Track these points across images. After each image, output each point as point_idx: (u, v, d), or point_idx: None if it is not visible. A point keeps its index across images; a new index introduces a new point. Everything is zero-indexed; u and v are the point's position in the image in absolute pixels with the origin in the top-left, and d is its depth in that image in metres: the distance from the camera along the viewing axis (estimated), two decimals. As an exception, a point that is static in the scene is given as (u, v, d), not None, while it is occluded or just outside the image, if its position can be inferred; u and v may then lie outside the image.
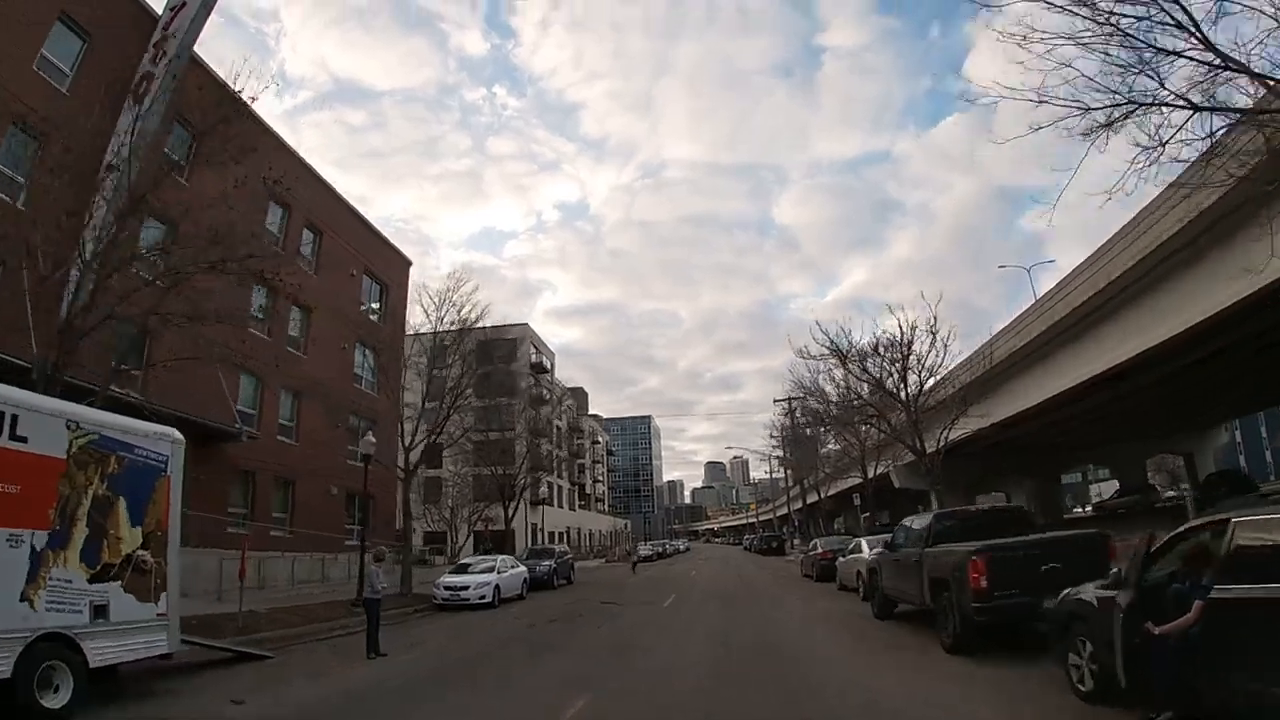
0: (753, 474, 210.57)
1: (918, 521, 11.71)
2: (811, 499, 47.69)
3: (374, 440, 20.03)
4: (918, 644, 9.93)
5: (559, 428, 71.96)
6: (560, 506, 69.03)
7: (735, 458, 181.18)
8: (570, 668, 9.61)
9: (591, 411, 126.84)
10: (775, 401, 48.11)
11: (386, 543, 24.08)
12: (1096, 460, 54.75)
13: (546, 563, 26.10)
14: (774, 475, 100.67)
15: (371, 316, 31.82)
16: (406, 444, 21.99)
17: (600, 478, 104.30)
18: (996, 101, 8.54)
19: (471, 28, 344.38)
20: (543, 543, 64.34)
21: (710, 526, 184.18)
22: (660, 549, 65.22)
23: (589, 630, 14.03)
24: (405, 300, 33.25)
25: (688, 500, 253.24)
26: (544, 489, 62.66)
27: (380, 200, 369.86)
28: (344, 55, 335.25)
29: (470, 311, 25.20)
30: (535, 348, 65.52)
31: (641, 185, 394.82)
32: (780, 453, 70.39)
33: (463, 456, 45.41)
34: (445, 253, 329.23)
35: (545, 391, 65.36)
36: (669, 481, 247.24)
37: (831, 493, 43.54)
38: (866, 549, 16.53)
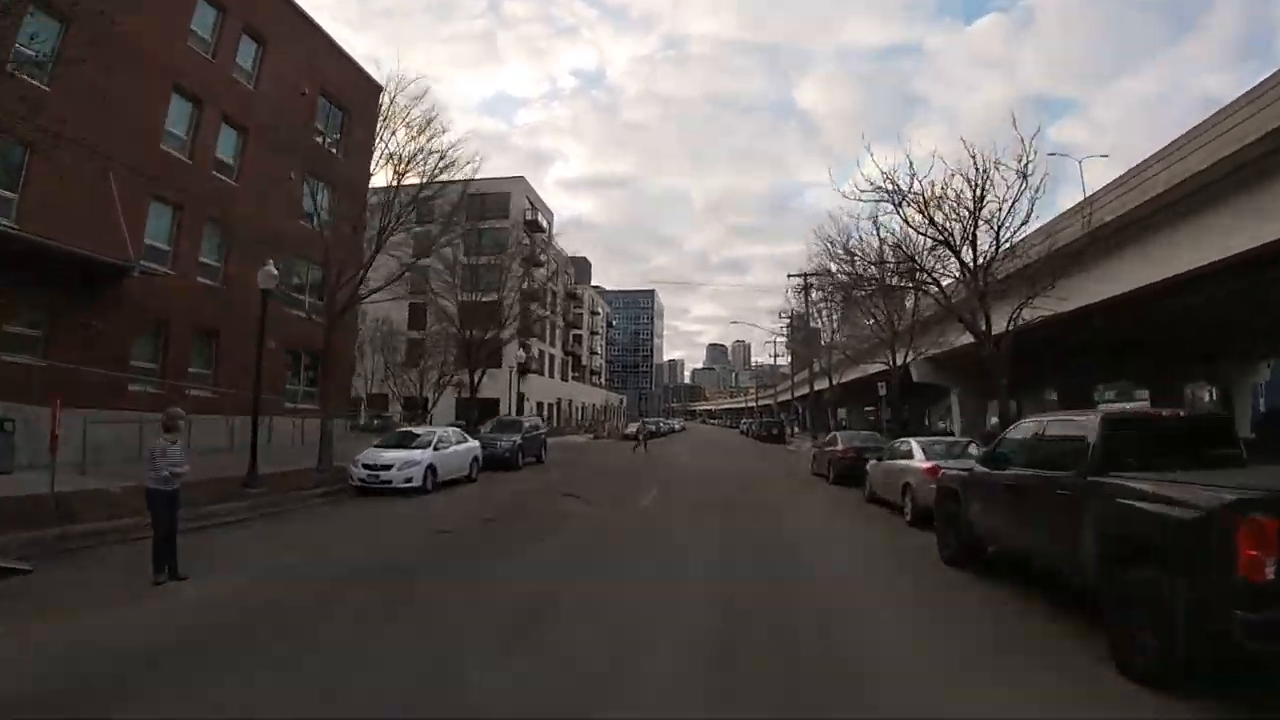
0: (754, 358, 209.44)
1: (1061, 426, 6.93)
2: (820, 385, 43.48)
3: (275, 272, 15.20)
4: (1054, 638, 5.49)
5: (554, 292, 67.14)
6: (551, 376, 65.41)
7: (737, 342, 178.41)
8: (441, 638, 5.29)
9: (594, 283, 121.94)
10: (790, 277, 42.90)
11: (202, 394, 19.83)
12: (1136, 377, 50.11)
13: (510, 438, 21.97)
14: (777, 359, 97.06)
15: (333, 150, 26.03)
16: (333, 279, 17.18)
17: (597, 349, 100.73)
18: None
19: None
20: (531, 413, 61.36)
21: (708, 408, 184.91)
22: (654, 427, 62.13)
23: (521, 545, 9.76)
24: (374, 134, 27.21)
25: (687, 380, 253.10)
26: (533, 355, 58.70)
27: (390, 62, 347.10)
28: None
29: (449, 168, 19.49)
30: (531, 203, 59.51)
31: (663, 58, 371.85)
32: (787, 335, 66.19)
33: (443, 315, 40.78)
34: (456, 116, 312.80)
35: (540, 252, 60.00)
36: (670, 360, 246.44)
37: (844, 380, 39.16)
38: (921, 455, 12.08)
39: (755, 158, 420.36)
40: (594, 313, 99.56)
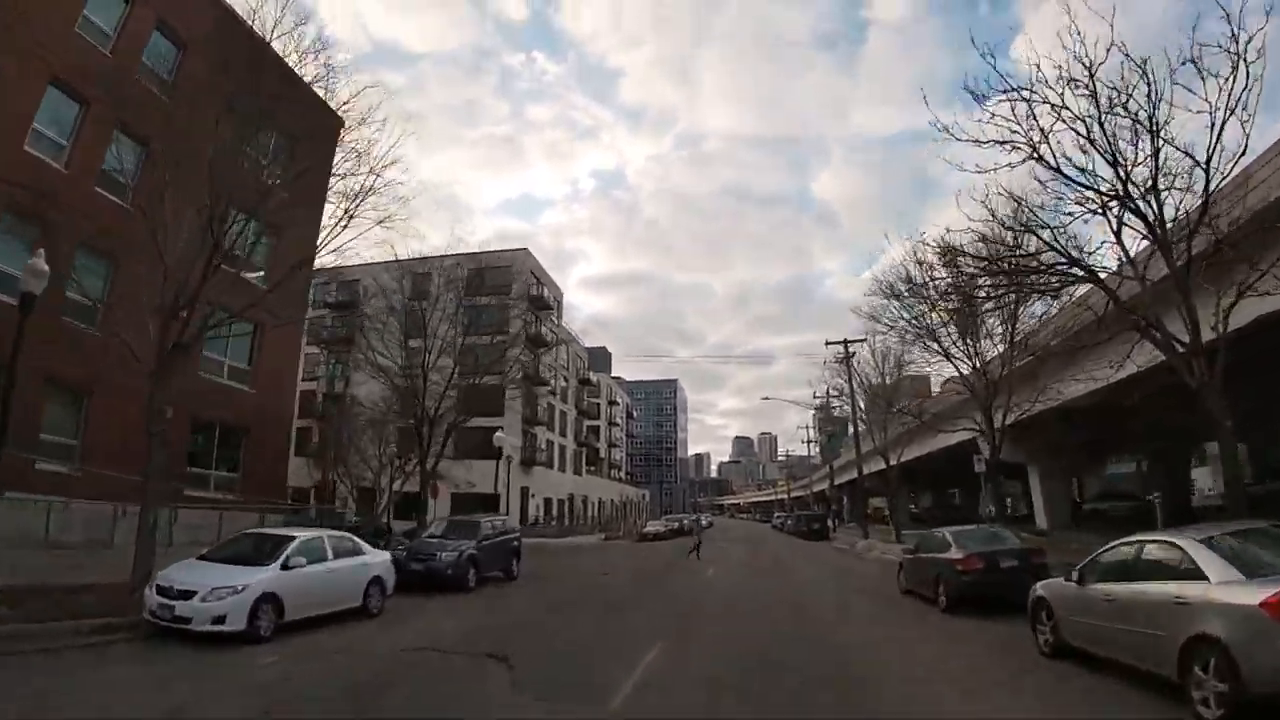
0: (781, 449, 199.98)
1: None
2: (873, 467, 36.30)
3: (45, 268, 9.43)
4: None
5: (565, 377, 61.39)
6: (562, 469, 58.62)
7: (763, 434, 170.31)
8: None
9: (615, 374, 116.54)
10: (829, 344, 36.61)
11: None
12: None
13: (457, 547, 15.21)
14: (811, 444, 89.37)
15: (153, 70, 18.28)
16: (168, 304, 11.20)
17: (617, 441, 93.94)
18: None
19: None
20: (538, 510, 54.35)
21: (735, 502, 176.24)
22: (678, 523, 54.57)
23: None
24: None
25: (714, 474, 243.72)
26: (539, 445, 52.27)
27: (415, 166, 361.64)
28: (382, 17, 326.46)
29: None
30: (536, 277, 54.68)
31: (678, 156, 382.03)
32: (819, 415, 59.17)
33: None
34: (479, 220, 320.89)
35: (547, 330, 54.68)
36: (695, 455, 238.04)
37: (906, 458, 32.12)
38: (1218, 568, 5.45)
39: (774, 248, 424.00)
40: (613, 402, 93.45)
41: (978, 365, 21.39)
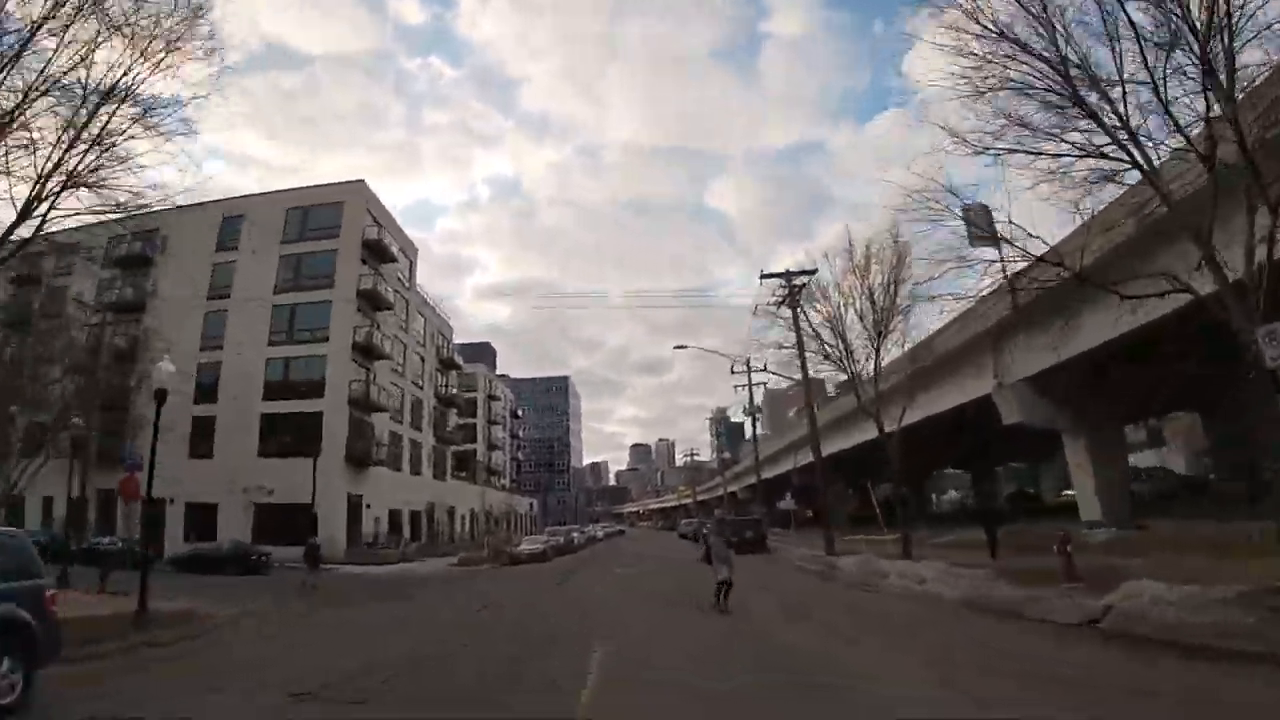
0: (679, 454, 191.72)
1: None
2: (839, 445, 25.82)
3: None
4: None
5: (421, 355, 48.20)
6: (416, 471, 45.38)
7: (661, 439, 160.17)
8: None
9: (500, 372, 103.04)
10: (763, 278, 26.03)
11: None
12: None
13: None
14: (713, 449, 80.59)
15: None
16: None
17: (499, 443, 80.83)
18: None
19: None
20: (377, 526, 40.90)
21: (635, 510, 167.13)
22: (564, 539, 42.83)
23: None
24: None
25: (612, 482, 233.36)
26: (378, 438, 39.05)
27: (309, 170, 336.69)
28: (276, 16, 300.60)
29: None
30: (376, 220, 41.50)
31: (578, 165, 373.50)
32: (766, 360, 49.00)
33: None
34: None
35: (391, 290, 41.53)
36: (592, 463, 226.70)
37: (905, 422, 21.64)
38: None
39: (672, 258, 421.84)
40: (493, 397, 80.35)
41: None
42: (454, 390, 54.72)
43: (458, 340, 65.75)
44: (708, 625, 10.75)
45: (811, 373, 23.85)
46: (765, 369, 32.79)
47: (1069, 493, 29.17)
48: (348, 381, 37.14)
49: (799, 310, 24.59)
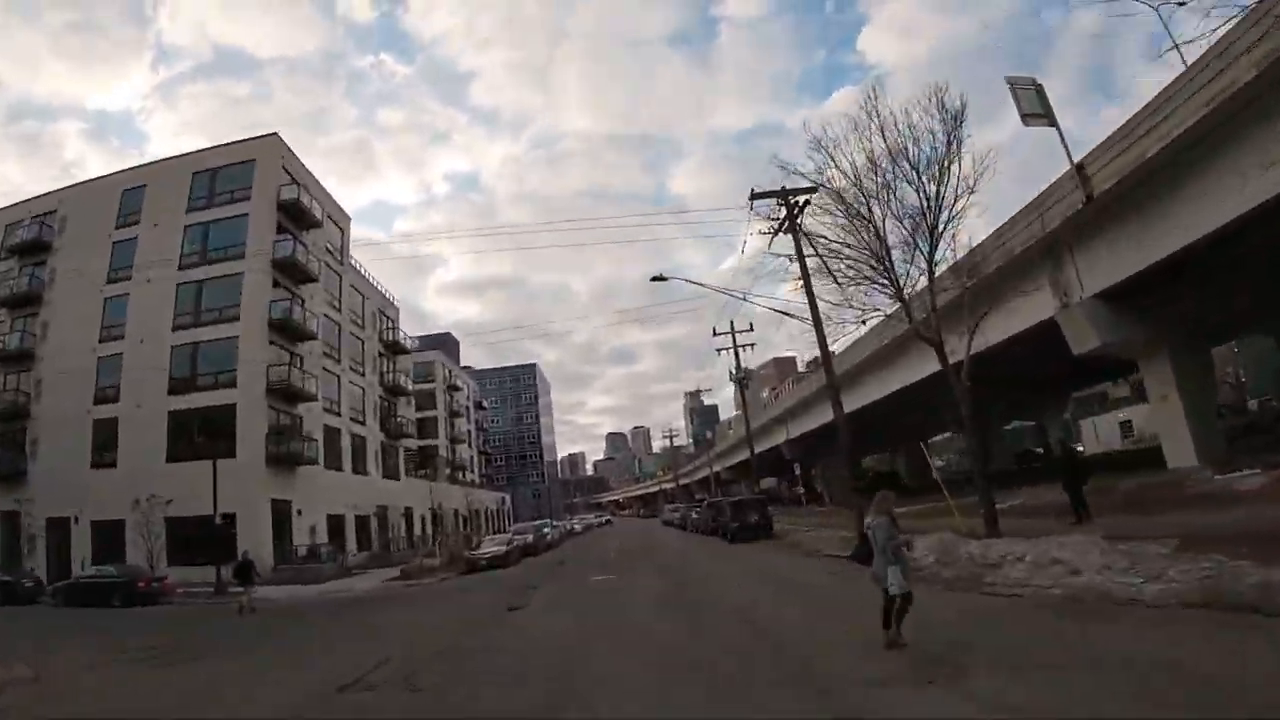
0: (655, 439, 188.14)
1: None
2: (803, 427, 20.81)
3: None
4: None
5: (359, 336, 42.25)
6: (361, 470, 39.63)
7: (636, 428, 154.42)
8: None
9: (464, 364, 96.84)
10: (753, 198, 20.79)
11: None
12: None
13: None
14: (688, 433, 75.99)
15: None
16: None
17: (463, 436, 75.04)
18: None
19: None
20: (313, 536, 35.03)
21: (615, 498, 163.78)
22: (533, 536, 37.62)
23: None
24: None
25: (590, 473, 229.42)
26: (309, 434, 33.24)
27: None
28: (225, 21, 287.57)
29: None
30: (292, 177, 35.51)
31: (534, 157, 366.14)
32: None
33: None
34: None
35: (314, 259, 35.63)
36: (568, 455, 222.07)
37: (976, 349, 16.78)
38: None
39: (633, 246, 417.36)
40: (454, 387, 74.45)
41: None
42: (403, 378, 48.75)
43: (419, 333, 59.70)
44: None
45: (826, 310, 18.75)
46: (751, 329, 27.67)
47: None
48: (265, 367, 31.31)
49: (799, 238, 19.52)
